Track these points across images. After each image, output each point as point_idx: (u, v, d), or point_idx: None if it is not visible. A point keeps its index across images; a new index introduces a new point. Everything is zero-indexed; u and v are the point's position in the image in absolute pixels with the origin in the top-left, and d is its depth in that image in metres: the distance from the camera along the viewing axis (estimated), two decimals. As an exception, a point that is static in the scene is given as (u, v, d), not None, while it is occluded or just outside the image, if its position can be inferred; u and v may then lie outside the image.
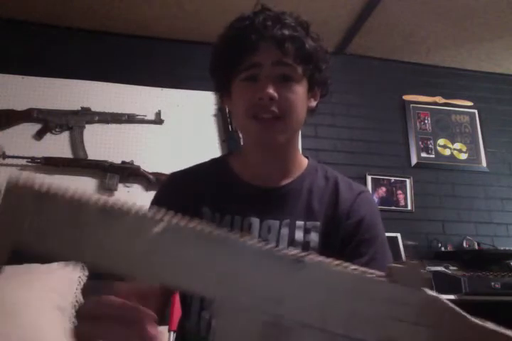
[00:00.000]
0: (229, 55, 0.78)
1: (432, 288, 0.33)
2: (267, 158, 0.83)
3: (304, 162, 0.88)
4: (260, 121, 0.76)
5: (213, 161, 0.91)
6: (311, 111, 0.84)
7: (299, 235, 0.79)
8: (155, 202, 0.85)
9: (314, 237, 0.79)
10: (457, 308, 0.32)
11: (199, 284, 0.35)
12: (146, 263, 0.36)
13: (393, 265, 0.34)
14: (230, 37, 0.79)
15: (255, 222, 0.80)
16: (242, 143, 0.90)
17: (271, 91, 0.74)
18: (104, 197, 0.36)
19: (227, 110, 2.41)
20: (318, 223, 0.80)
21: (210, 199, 0.82)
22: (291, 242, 0.79)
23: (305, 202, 0.82)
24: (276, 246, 0.35)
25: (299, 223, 0.80)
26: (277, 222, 0.80)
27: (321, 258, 0.35)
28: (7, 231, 0.37)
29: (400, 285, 0.33)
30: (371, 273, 0.34)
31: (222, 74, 0.82)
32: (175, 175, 0.89)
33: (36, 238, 0.37)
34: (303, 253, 0.35)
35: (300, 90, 0.78)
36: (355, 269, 0.34)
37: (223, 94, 0.86)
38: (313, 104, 0.85)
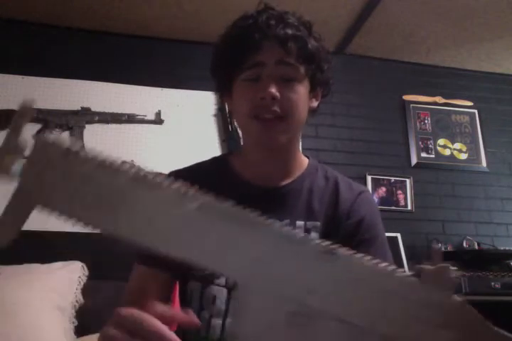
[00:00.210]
0: (231, 53, 0.77)
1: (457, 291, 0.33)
2: (268, 157, 0.82)
3: (305, 162, 0.88)
4: (262, 121, 0.75)
5: (214, 160, 0.91)
6: (312, 112, 0.84)
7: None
8: None
9: (314, 236, 0.79)
10: (480, 315, 0.33)
11: (229, 266, 0.35)
12: (176, 238, 0.35)
13: (425, 266, 0.34)
14: (233, 35, 0.78)
15: None
16: (242, 143, 0.90)
17: (273, 90, 0.73)
18: (136, 166, 0.34)
19: (227, 110, 2.41)
20: (318, 223, 0.80)
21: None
22: None
23: (305, 202, 0.82)
24: None
25: (299, 223, 0.80)
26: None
27: (353, 252, 0.34)
28: (31, 192, 0.35)
29: (431, 287, 0.33)
30: (402, 272, 0.34)
31: (224, 73, 0.81)
32: (173, 174, 0.88)
33: (61, 201, 0.35)
34: (335, 245, 0.34)
35: (302, 90, 0.78)
36: (387, 266, 0.34)
37: (224, 93, 0.85)
38: (315, 104, 0.85)
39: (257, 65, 0.75)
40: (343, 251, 0.34)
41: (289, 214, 0.81)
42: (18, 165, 0.35)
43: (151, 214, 0.35)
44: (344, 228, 0.80)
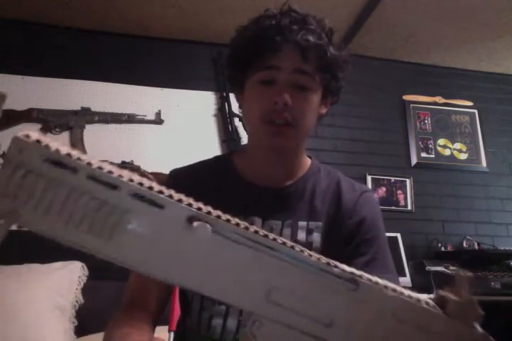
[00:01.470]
0: (249, 52, 0.77)
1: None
2: (274, 160, 0.82)
3: (308, 162, 0.89)
4: (273, 127, 0.75)
5: (217, 159, 0.90)
6: (320, 117, 0.85)
7: (301, 236, 0.79)
8: None
9: (316, 237, 0.79)
10: None
11: (242, 297, 0.31)
12: (184, 265, 0.30)
13: (450, 297, 0.32)
14: (253, 34, 0.77)
15: (258, 222, 0.79)
16: (247, 142, 0.89)
17: (287, 97, 0.74)
18: (136, 177, 0.28)
19: (227, 110, 2.41)
20: (320, 223, 0.81)
21: (212, 197, 0.80)
22: (294, 242, 0.78)
23: (308, 202, 0.82)
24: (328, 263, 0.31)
25: (302, 223, 0.80)
26: (279, 223, 0.80)
27: (375, 279, 0.32)
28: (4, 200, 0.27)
29: (457, 320, 0.31)
30: (426, 303, 0.32)
31: (238, 70, 0.81)
32: (176, 172, 0.88)
33: (36, 215, 0.28)
34: (357, 272, 0.32)
35: (314, 99, 0.79)
36: (410, 296, 0.32)
37: (235, 88, 0.85)
38: (324, 110, 0.86)
39: (272, 68, 0.75)
40: (365, 277, 0.32)
41: (291, 214, 0.81)
42: None
43: (157, 239, 0.29)
44: (346, 227, 0.81)
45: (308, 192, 0.83)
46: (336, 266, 0.31)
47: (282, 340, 0.31)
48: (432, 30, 2.48)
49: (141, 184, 0.28)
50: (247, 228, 0.30)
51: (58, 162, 0.27)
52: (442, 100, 2.85)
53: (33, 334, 1.53)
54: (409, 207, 2.59)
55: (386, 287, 0.32)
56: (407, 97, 2.81)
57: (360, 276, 0.32)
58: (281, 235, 0.78)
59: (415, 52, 2.75)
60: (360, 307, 0.31)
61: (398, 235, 2.38)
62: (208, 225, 0.29)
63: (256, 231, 0.30)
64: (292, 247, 0.31)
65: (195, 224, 0.29)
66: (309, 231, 0.80)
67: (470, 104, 2.89)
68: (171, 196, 0.29)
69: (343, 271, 0.31)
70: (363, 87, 2.72)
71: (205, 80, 2.49)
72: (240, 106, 0.87)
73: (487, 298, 1.97)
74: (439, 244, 2.48)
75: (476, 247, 2.49)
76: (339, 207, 0.82)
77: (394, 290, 0.32)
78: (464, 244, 2.51)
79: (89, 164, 0.27)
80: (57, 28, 2.41)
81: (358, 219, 0.81)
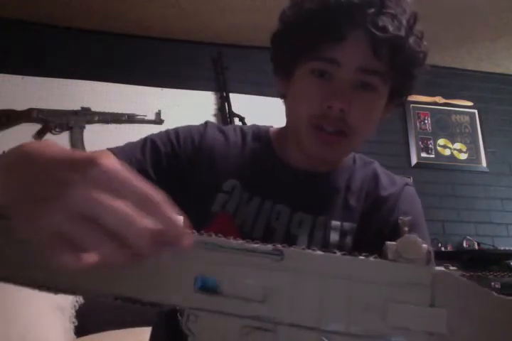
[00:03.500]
0: (303, 34, 0.60)
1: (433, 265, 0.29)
2: (314, 160, 0.69)
3: None
4: (322, 135, 0.61)
5: (256, 136, 0.75)
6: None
7: (334, 237, 0.68)
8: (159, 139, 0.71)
9: (349, 242, 0.68)
10: (469, 281, 0.29)
11: (170, 293, 0.31)
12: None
13: (389, 242, 0.29)
14: (312, 11, 0.60)
15: (285, 211, 0.68)
16: (286, 125, 0.74)
17: (345, 102, 0.59)
18: None
19: (227, 110, 2.41)
20: (355, 225, 0.69)
21: (244, 174, 0.69)
22: (325, 245, 0.66)
23: (342, 198, 0.71)
24: (308, 246, 0.30)
25: (335, 223, 0.69)
26: (310, 218, 0.68)
27: (297, 247, 0.30)
28: None
29: (404, 264, 0.29)
30: (364, 256, 0.30)
31: (288, 53, 0.65)
32: (211, 125, 0.74)
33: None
34: (279, 245, 0.31)
35: (380, 103, 0.64)
36: (344, 253, 0.30)
37: (280, 72, 0.69)
38: (387, 115, 0.70)
39: (332, 62, 0.59)
40: (287, 247, 0.31)
41: (325, 209, 0.69)
42: None
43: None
44: (385, 227, 0.68)
45: (343, 187, 0.71)
46: (257, 243, 0.31)
47: (220, 329, 0.30)
48: (431, 30, 2.48)
49: None
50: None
51: None
52: (442, 100, 2.85)
53: (33, 334, 1.53)
54: (409, 207, 2.58)
55: (314, 250, 0.30)
56: (407, 97, 2.81)
57: (285, 246, 0.31)
58: (312, 233, 0.67)
59: (415, 52, 2.75)
60: (291, 275, 0.30)
61: (398, 235, 2.38)
62: None
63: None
64: (210, 235, 0.31)
65: None
66: (343, 233, 0.68)
67: (470, 104, 2.89)
68: None
69: (266, 245, 0.31)
70: (363, 87, 2.72)
71: (205, 80, 2.49)
72: (282, 95, 0.71)
73: (487, 298, 1.96)
74: (439, 244, 2.48)
75: (476, 247, 2.49)
76: (377, 206, 0.70)
77: (321, 251, 0.30)
78: (464, 244, 2.51)
79: None
80: (57, 28, 2.41)
81: (399, 216, 0.69)
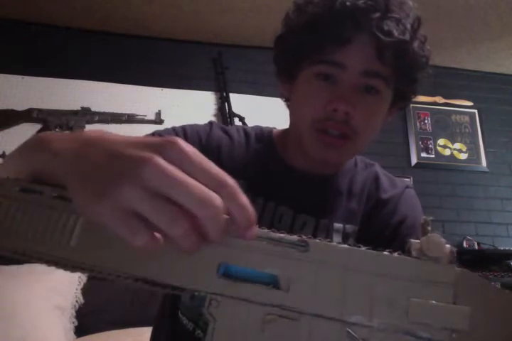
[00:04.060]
0: (307, 37, 0.61)
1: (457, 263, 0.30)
2: (317, 163, 0.69)
3: None
4: (326, 138, 0.61)
5: (259, 137, 0.75)
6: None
7: (337, 240, 0.68)
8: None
9: (351, 243, 0.69)
10: (487, 281, 0.30)
11: (193, 278, 0.31)
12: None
13: (413, 240, 0.30)
14: (317, 14, 0.60)
15: (288, 213, 0.68)
16: (289, 127, 0.74)
17: (349, 105, 0.59)
18: None
19: (227, 110, 2.41)
20: (356, 228, 0.70)
21: (248, 174, 0.69)
22: None
23: (345, 200, 0.71)
24: None
25: (338, 225, 0.69)
26: (313, 220, 0.69)
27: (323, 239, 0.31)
28: None
29: (428, 262, 0.29)
30: (389, 252, 0.30)
31: (292, 55, 0.65)
32: (216, 125, 0.75)
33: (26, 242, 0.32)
34: (304, 237, 0.31)
35: (384, 108, 0.65)
36: (368, 248, 0.30)
37: (284, 75, 0.70)
38: (389, 118, 0.71)
39: (336, 65, 0.60)
40: (313, 239, 0.31)
41: (328, 212, 0.70)
42: None
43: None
44: (385, 229, 0.69)
45: (345, 190, 0.72)
46: (283, 233, 0.31)
47: (243, 315, 0.30)
48: (431, 30, 2.47)
49: None
50: None
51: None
52: (442, 100, 2.85)
53: (33, 334, 1.53)
54: (409, 207, 2.58)
55: (339, 243, 0.31)
56: (407, 97, 2.81)
57: (310, 237, 0.31)
58: (315, 236, 0.70)
59: (415, 52, 2.75)
60: (315, 266, 0.30)
61: (398, 235, 2.38)
62: None
63: None
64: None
65: None
66: (345, 236, 0.69)
67: (470, 104, 2.89)
68: None
69: (292, 235, 0.31)
70: (363, 87, 2.72)
71: (205, 80, 2.49)
72: (286, 98, 0.72)
73: (487, 298, 1.96)
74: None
75: (476, 247, 2.49)
76: (378, 208, 0.71)
77: (345, 244, 0.31)
78: (464, 244, 2.51)
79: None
80: (57, 28, 2.40)
81: (399, 219, 0.70)
